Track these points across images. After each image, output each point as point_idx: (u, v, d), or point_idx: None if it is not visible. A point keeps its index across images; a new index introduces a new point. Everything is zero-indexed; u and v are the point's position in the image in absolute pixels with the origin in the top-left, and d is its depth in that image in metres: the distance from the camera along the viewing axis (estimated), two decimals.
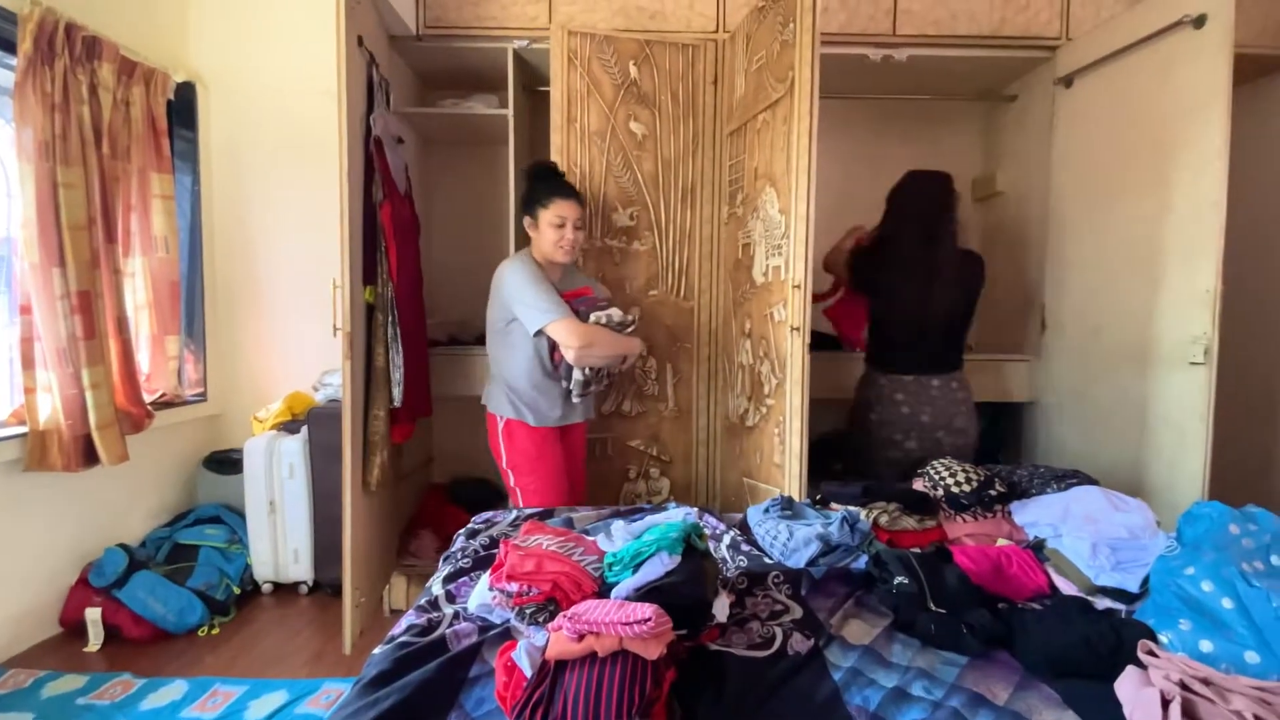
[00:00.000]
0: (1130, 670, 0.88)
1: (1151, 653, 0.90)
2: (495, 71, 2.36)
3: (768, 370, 1.94)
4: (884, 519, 1.35)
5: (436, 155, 2.81)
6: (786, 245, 1.78)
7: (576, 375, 1.82)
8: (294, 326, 2.71)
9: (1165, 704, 0.80)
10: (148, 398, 2.34)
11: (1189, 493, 1.72)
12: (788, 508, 1.44)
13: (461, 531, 1.50)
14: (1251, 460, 2.26)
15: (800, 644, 0.98)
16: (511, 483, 1.92)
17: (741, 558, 1.30)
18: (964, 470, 1.44)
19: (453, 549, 1.41)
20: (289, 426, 2.46)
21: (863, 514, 1.35)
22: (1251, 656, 0.90)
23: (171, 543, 2.34)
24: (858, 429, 2.03)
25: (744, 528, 1.45)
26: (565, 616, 0.86)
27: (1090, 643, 0.96)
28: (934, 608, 1.05)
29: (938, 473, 1.46)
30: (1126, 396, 1.98)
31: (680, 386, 2.30)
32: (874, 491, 1.43)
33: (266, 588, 2.44)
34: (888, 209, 2.02)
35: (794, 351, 1.74)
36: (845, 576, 1.21)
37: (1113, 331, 2.04)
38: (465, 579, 1.23)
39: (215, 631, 2.15)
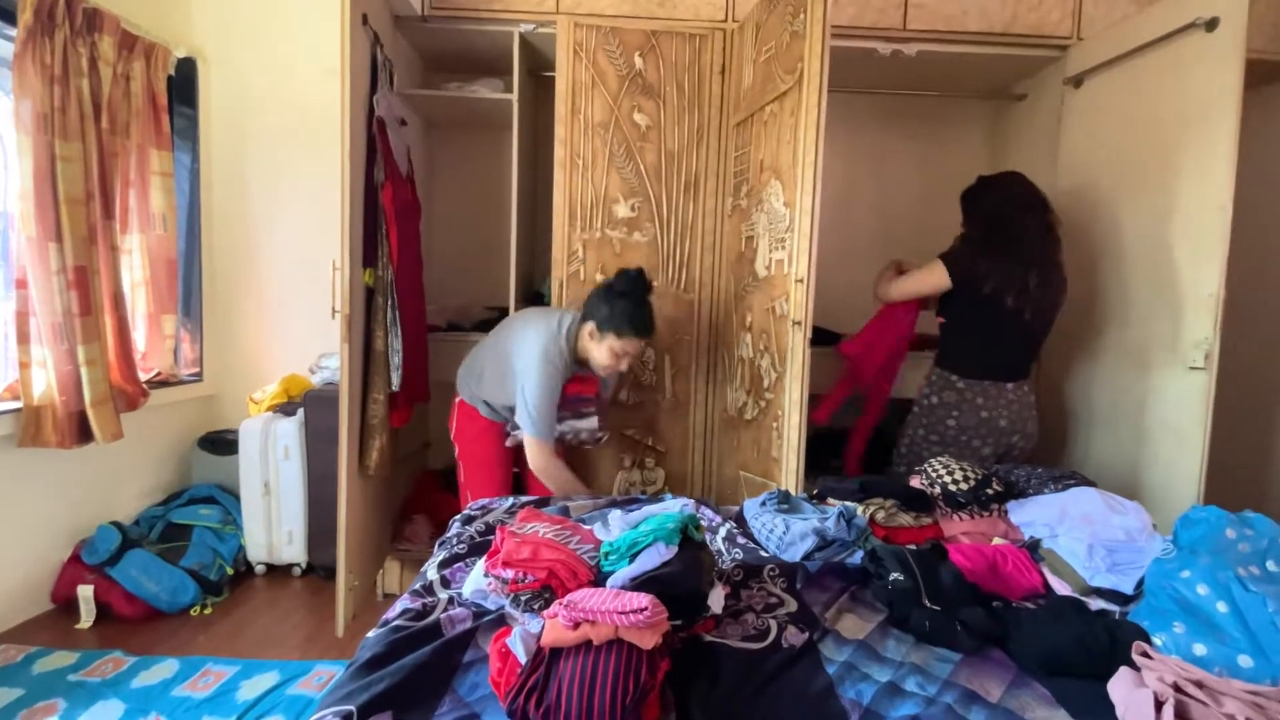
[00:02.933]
0: (1123, 671, 0.88)
1: (1146, 654, 0.90)
2: (500, 55, 2.34)
3: (768, 364, 1.93)
4: (881, 515, 1.35)
5: (439, 139, 2.79)
6: (790, 239, 1.77)
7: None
8: (292, 308, 2.69)
9: (1159, 705, 0.80)
10: (143, 376, 2.33)
11: (1186, 497, 1.72)
12: (784, 501, 1.44)
13: (457, 517, 1.50)
14: (1249, 465, 2.27)
15: (795, 637, 0.98)
16: (457, 453, 2.04)
17: (737, 550, 1.30)
18: (961, 469, 1.44)
19: (448, 534, 1.41)
20: (285, 409, 2.45)
21: (859, 509, 1.35)
22: (1245, 660, 0.90)
23: (165, 522, 2.33)
24: (925, 431, 1.90)
25: (740, 520, 1.45)
26: (561, 604, 0.86)
27: (1084, 642, 0.96)
28: (929, 604, 1.05)
29: (935, 470, 1.46)
30: (1126, 399, 1.98)
31: (678, 378, 2.29)
32: (871, 487, 1.43)
33: (260, 569, 2.44)
34: (986, 203, 1.87)
35: (795, 345, 1.74)
36: (840, 571, 1.21)
37: (1114, 333, 2.04)
38: (460, 565, 1.22)
39: (208, 611, 2.15)
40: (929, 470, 1.47)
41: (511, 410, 1.91)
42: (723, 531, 1.38)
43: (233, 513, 2.45)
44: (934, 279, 1.88)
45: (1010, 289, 1.76)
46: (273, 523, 2.40)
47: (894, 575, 1.10)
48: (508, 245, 2.33)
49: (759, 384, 1.98)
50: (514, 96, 2.28)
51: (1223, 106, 1.70)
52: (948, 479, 1.42)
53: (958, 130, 2.76)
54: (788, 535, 1.27)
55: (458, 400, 2.00)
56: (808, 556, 1.25)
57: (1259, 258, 2.21)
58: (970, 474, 1.42)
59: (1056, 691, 0.90)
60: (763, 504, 1.42)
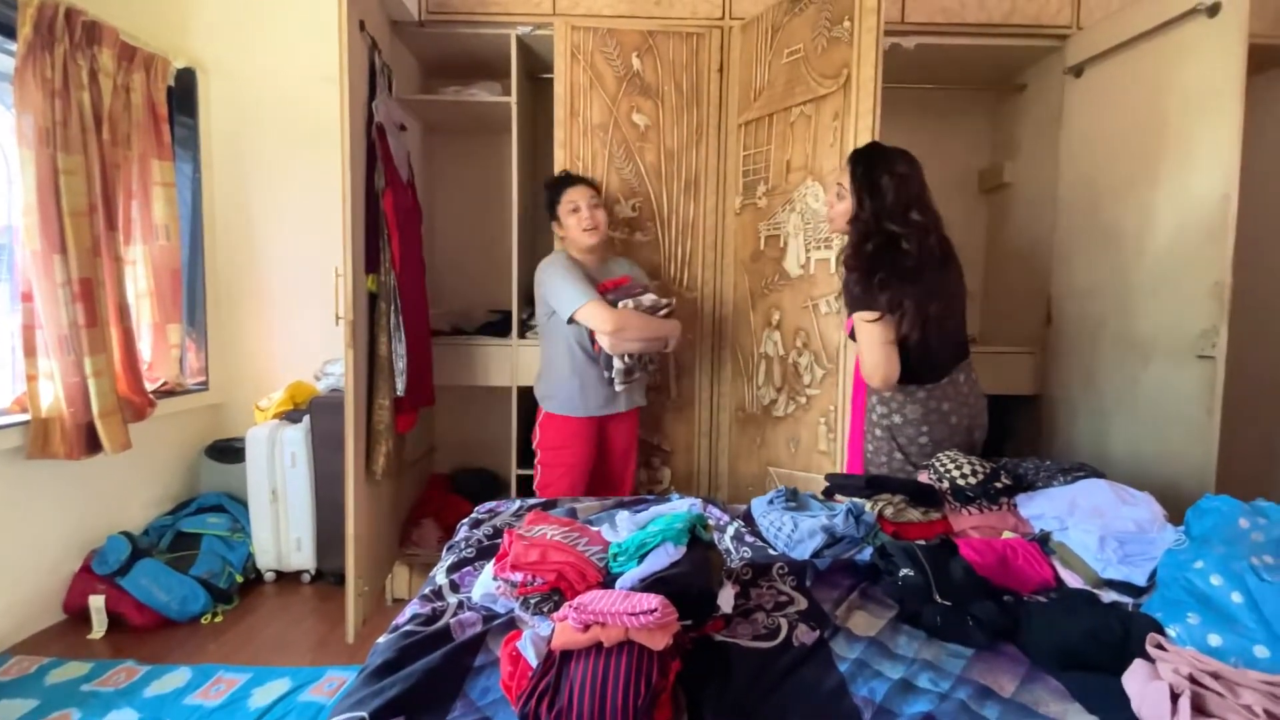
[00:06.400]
0: (1138, 663, 0.87)
1: (1160, 646, 0.89)
2: (498, 58, 2.34)
3: (808, 361, 1.99)
4: (889, 511, 1.34)
5: (439, 143, 2.79)
6: (839, 239, 1.79)
7: (617, 364, 1.86)
8: (295, 315, 2.70)
9: (1174, 698, 0.80)
10: (150, 386, 2.34)
11: (1197, 487, 1.71)
12: (792, 499, 1.44)
13: (465, 521, 1.50)
14: (1258, 454, 2.26)
15: (806, 635, 0.97)
16: (537, 459, 2.02)
17: (745, 549, 1.30)
18: (970, 463, 1.43)
19: (456, 538, 1.41)
20: (291, 416, 2.46)
21: (868, 506, 1.35)
22: (1261, 651, 0.89)
23: (174, 531, 2.35)
24: (904, 457, 1.62)
25: (748, 519, 1.45)
26: (571, 606, 0.86)
27: (1097, 635, 0.95)
28: (939, 600, 1.05)
29: (943, 465, 1.45)
30: (1133, 389, 1.97)
31: (683, 377, 2.29)
32: (879, 483, 1.42)
33: (269, 576, 2.45)
34: (873, 194, 1.53)
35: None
36: (850, 568, 1.20)
37: (1120, 324, 2.03)
38: (469, 569, 1.22)
39: (218, 619, 2.16)
40: (936, 465, 1.46)
41: (591, 359, 1.91)
42: (730, 530, 1.38)
43: (241, 520, 2.45)
44: (883, 332, 1.51)
45: (913, 325, 1.49)
46: (281, 529, 2.41)
47: (904, 571, 1.10)
48: (509, 248, 2.33)
49: (797, 381, 2.03)
50: (512, 99, 2.28)
51: (1226, 93, 1.69)
52: (956, 473, 1.42)
53: (959, 122, 2.75)
54: (796, 533, 1.27)
55: (542, 415, 1.99)
56: (817, 554, 1.24)
57: (1261, 245, 2.19)
58: (979, 468, 1.42)
59: (1070, 685, 0.89)
60: (770, 502, 1.41)
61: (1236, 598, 0.94)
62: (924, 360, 1.55)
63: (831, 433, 1.92)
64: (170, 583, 2.12)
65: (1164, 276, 1.87)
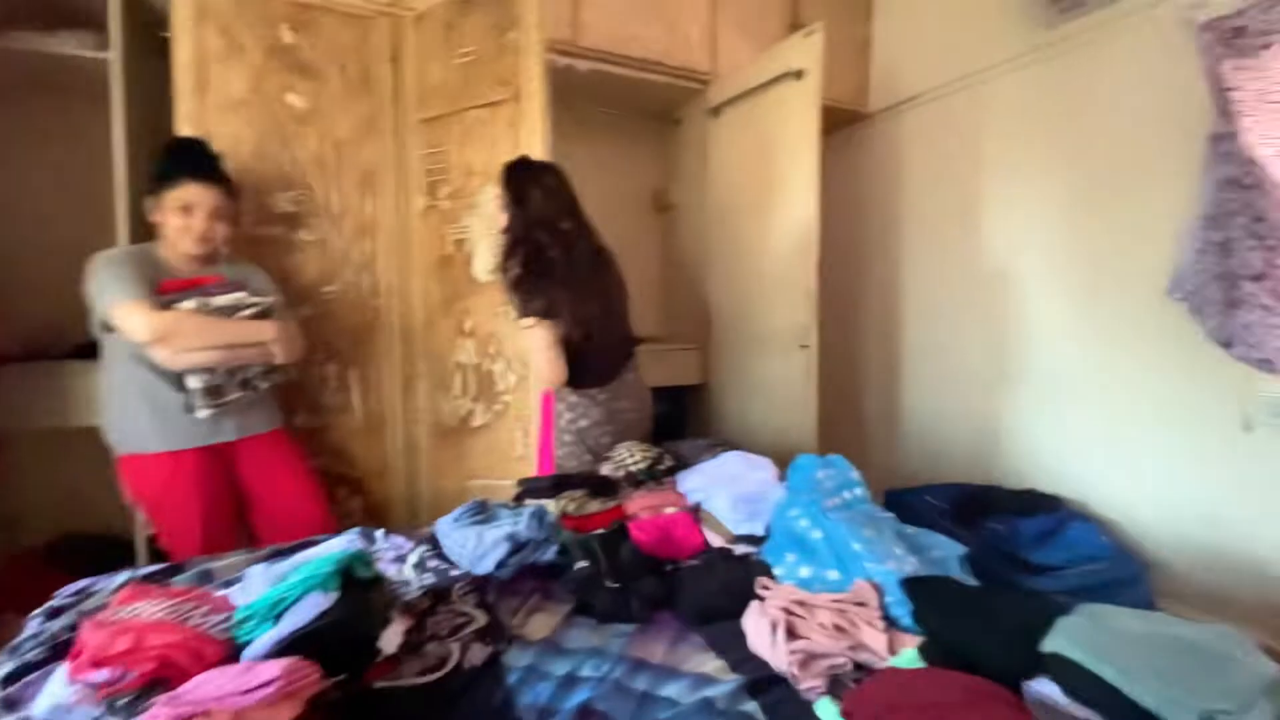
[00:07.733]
0: (752, 605, 1.05)
1: (766, 586, 1.09)
2: (93, 3, 1.81)
3: (502, 368, 1.98)
4: (571, 507, 1.40)
5: (5, 109, 2.05)
6: None
7: (192, 382, 1.48)
8: None
9: (774, 629, 0.98)
10: None
11: (807, 450, 2.18)
12: (480, 512, 1.40)
13: (39, 612, 1.11)
14: (850, 420, 2.99)
15: (478, 655, 0.95)
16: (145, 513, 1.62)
17: (429, 574, 1.22)
18: (641, 450, 1.59)
19: (20, 637, 1.03)
20: None
21: (552, 505, 1.39)
22: (832, 574, 1.14)
23: None
24: (593, 457, 1.69)
25: (434, 542, 1.37)
26: (163, 702, 0.68)
27: (730, 587, 1.12)
28: (610, 584, 1.12)
29: (619, 455, 1.58)
30: (763, 374, 2.43)
31: (369, 394, 2.08)
32: (563, 482, 1.48)
33: None
34: (521, 205, 1.60)
35: None
36: (534, 571, 1.22)
37: (754, 322, 2.48)
38: (35, 675, 0.91)
39: None
40: (614, 457, 1.59)
41: (163, 379, 1.50)
42: (413, 557, 1.28)
43: None
44: (544, 336, 1.59)
45: (592, 303, 1.61)
46: None
47: (578, 564, 1.15)
48: (114, 246, 1.81)
49: (491, 388, 2.00)
50: (111, 55, 1.79)
51: (808, 140, 2.18)
52: (629, 461, 1.56)
53: (635, 145, 3.04)
54: (479, 547, 1.23)
55: (120, 461, 1.55)
56: (502, 564, 1.22)
57: (847, 262, 2.92)
58: (647, 454, 1.58)
59: (709, 637, 1.03)
60: (456, 519, 1.35)
61: (816, 534, 1.20)
62: (593, 363, 1.67)
63: (527, 437, 1.95)
64: None
65: (777, 283, 2.35)
